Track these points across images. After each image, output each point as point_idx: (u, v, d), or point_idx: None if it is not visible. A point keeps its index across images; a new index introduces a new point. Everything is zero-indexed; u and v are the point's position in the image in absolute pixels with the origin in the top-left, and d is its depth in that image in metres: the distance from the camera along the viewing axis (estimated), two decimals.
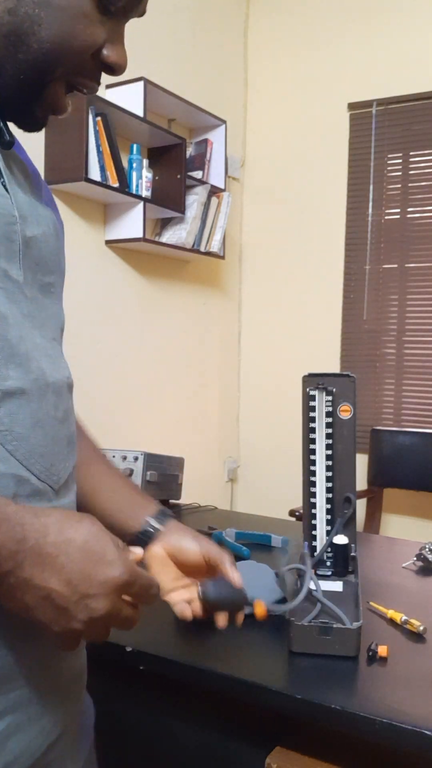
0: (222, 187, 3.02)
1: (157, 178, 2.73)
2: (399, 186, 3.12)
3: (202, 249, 2.93)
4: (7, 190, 0.62)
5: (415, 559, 1.47)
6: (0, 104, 0.63)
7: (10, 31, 0.59)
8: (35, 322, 0.63)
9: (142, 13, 0.66)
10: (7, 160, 0.65)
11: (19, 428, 0.59)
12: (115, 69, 0.64)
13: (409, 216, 3.11)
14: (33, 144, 2.28)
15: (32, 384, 0.60)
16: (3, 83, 0.61)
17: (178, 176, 2.72)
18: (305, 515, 1.26)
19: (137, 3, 0.64)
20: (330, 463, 1.24)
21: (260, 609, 0.80)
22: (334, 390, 1.24)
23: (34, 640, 0.61)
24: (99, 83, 0.65)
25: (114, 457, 1.77)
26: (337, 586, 1.18)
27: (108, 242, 2.60)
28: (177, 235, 2.81)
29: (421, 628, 1.11)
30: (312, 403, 1.24)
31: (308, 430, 1.25)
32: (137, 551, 0.62)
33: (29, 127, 0.66)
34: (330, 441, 1.24)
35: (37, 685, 0.62)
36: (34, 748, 0.62)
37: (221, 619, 0.81)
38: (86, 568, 0.53)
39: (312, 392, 1.24)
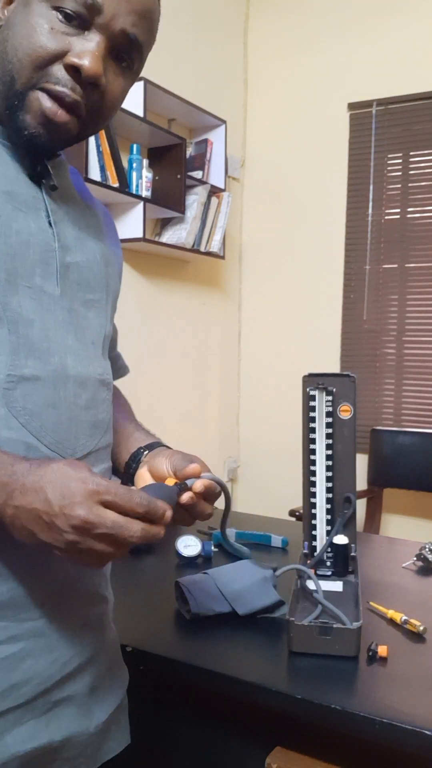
0: (222, 187, 3.02)
1: (157, 178, 2.73)
2: (399, 186, 3.12)
3: (202, 249, 2.93)
4: (51, 225, 0.77)
5: (415, 559, 1.47)
6: (30, 149, 0.75)
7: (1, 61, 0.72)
8: (70, 327, 0.77)
9: (119, 29, 0.72)
10: (58, 202, 0.79)
11: (32, 406, 0.72)
12: (82, 73, 0.70)
13: (409, 216, 3.11)
14: None
15: (50, 373, 0.74)
16: (0, 107, 0.73)
17: (178, 176, 2.72)
18: (305, 515, 1.26)
19: (95, 11, 0.70)
20: (330, 463, 1.24)
21: (169, 481, 0.79)
22: (334, 390, 1.24)
23: (45, 572, 0.72)
24: (72, 88, 0.71)
25: None
26: (337, 586, 1.18)
27: None
28: (177, 235, 2.81)
29: (421, 628, 1.11)
30: (312, 403, 1.24)
31: (308, 430, 1.25)
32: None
33: (37, 143, 0.74)
34: (330, 441, 1.24)
35: (50, 618, 0.73)
36: (45, 676, 0.73)
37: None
38: (61, 487, 0.63)
39: (312, 392, 1.24)
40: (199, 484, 0.78)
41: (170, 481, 0.78)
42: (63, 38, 0.70)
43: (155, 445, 0.92)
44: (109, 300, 0.87)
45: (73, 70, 0.70)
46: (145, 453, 0.90)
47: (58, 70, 0.70)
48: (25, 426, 0.71)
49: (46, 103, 0.71)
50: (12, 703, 0.71)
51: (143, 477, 0.87)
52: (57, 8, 0.69)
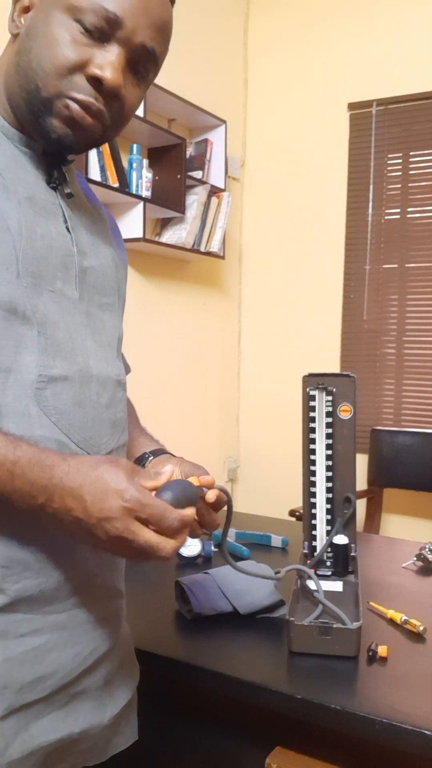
0: (222, 187, 3.02)
1: (157, 178, 2.73)
2: (399, 186, 3.12)
3: (202, 249, 2.93)
4: (68, 230, 0.79)
5: (415, 559, 1.48)
6: (50, 156, 0.78)
7: (18, 69, 0.74)
8: (88, 329, 0.81)
9: (138, 43, 0.74)
10: (72, 208, 0.82)
11: (62, 405, 0.75)
12: (104, 84, 0.73)
13: (409, 216, 3.11)
14: None
15: (76, 373, 0.77)
16: (27, 118, 0.75)
17: (178, 176, 2.72)
18: (305, 515, 1.26)
19: (116, 26, 0.72)
20: (330, 463, 1.24)
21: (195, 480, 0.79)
22: (334, 390, 1.24)
23: (70, 567, 0.75)
24: (95, 97, 0.74)
25: None
26: (337, 586, 1.18)
27: None
28: (177, 235, 2.80)
29: (421, 628, 1.11)
30: (312, 403, 1.24)
31: (308, 430, 1.25)
32: (163, 474, 0.73)
33: (52, 146, 0.77)
34: (330, 441, 1.24)
35: (73, 612, 0.76)
36: (68, 669, 0.75)
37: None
38: (99, 497, 0.66)
39: (312, 392, 1.24)
40: (212, 495, 0.79)
41: (194, 481, 0.78)
42: (84, 49, 0.72)
43: (160, 452, 0.96)
44: (120, 303, 0.91)
45: (95, 81, 0.73)
46: (150, 458, 0.93)
47: (81, 80, 0.73)
48: (56, 424, 0.74)
49: (75, 108, 0.74)
50: (37, 696, 0.73)
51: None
52: (78, 20, 0.72)
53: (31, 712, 0.73)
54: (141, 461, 0.94)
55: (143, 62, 0.77)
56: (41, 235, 0.75)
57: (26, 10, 0.75)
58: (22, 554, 0.72)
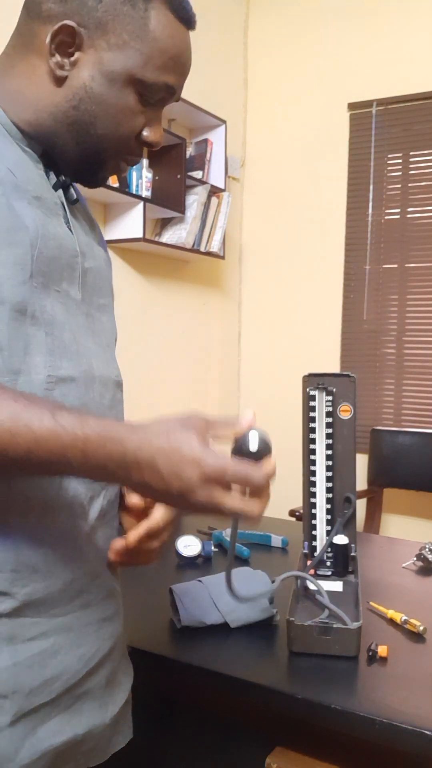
0: (222, 187, 3.02)
1: (157, 178, 2.73)
2: (399, 186, 3.12)
3: (202, 249, 2.93)
4: (72, 231, 0.81)
5: (415, 559, 1.48)
6: (66, 172, 0.82)
7: (73, 122, 0.78)
8: (89, 331, 0.82)
9: (177, 99, 0.83)
10: (72, 210, 0.85)
11: (69, 407, 0.71)
12: (153, 146, 0.83)
13: (409, 216, 3.11)
14: None
15: (81, 374, 0.77)
16: (67, 159, 0.81)
17: (178, 176, 2.72)
18: (305, 515, 1.26)
19: (171, 95, 0.81)
20: (330, 463, 1.24)
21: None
22: (334, 390, 1.24)
23: (77, 569, 0.76)
24: (141, 156, 0.84)
25: None
26: (337, 586, 1.18)
27: (108, 242, 2.59)
28: (177, 235, 2.80)
29: (421, 628, 1.11)
30: (312, 403, 1.24)
31: (308, 430, 1.25)
32: (243, 420, 0.70)
33: (91, 186, 0.85)
34: (330, 441, 1.24)
35: (77, 613, 0.76)
36: (74, 670, 0.76)
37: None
38: (175, 470, 0.64)
39: (312, 392, 1.24)
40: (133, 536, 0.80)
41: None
42: (142, 118, 0.81)
43: None
44: (113, 304, 0.91)
45: (146, 144, 0.82)
46: None
47: (134, 144, 0.82)
48: None
49: (124, 168, 0.84)
50: (44, 699, 0.73)
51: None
52: (140, 93, 0.78)
53: (39, 715, 0.73)
54: None
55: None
56: (53, 234, 0.76)
57: (69, 51, 0.76)
58: (30, 558, 0.72)
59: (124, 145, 0.81)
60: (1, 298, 0.70)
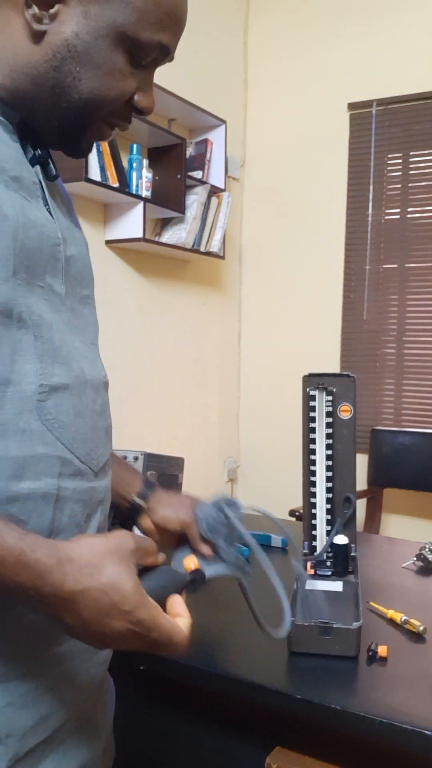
0: (222, 187, 3.02)
1: (157, 178, 2.73)
2: (399, 186, 3.12)
3: (202, 249, 2.93)
4: (52, 216, 0.72)
5: (415, 559, 1.47)
6: (48, 140, 0.73)
7: (54, 84, 0.68)
8: (75, 329, 0.73)
9: (171, 59, 0.74)
10: (50, 190, 0.74)
11: (64, 417, 0.68)
12: (144, 112, 0.74)
13: (409, 216, 3.11)
14: None
15: (74, 380, 0.70)
16: (50, 126, 0.71)
17: (178, 176, 2.72)
18: (305, 515, 1.26)
19: (165, 55, 0.72)
20: (330, 463, 1.24)
21: (189, 563, 0.79)
22: (334, 390, 1.24)
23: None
24: (130, 121, 0.75)
25: None
26: (337, 586, 1.18)
27: (108, 242, 2.59)
28: (177, 235, 2.80)
29: (421, 628, 1.11)
30: (312, 403, 1.24)
31: (308, 430, 1.25)
32: (160, 555, 0.69)
33: (76, 155, 0.75)
34: (330, 441, 1.24)
35: (70, 642, 0.69)
36: (69, 703, 0.70)
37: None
38: (100, 618, 0.59)
39: (312, 392, 1.24)
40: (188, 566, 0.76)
41: (189, 562, 0.76)
42: (132, 81, 0.71)
43: (146, 492, 0.91)
44: (94, 295, 0.82)
45: (137, 110, 0.74)
46: (141, 506, 0.91)
47: (124, 110, 0.73)
48: (60, 439, 0.67)
49: (107, 132, 0.74)
50: (39, 738, 0.67)
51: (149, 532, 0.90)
52: (131, 53, 0.69)
53: (34, 756, 0.67)
54: (135, 512, 0.90)
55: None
56: (34, 222, 0.67)
57: (49, 4, 0.66)
58: None
59: (111, 108, 0.71)
60: None
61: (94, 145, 2.28)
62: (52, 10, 0.66)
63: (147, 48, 0.69)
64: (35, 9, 0.66)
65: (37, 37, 0.67)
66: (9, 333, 0.63)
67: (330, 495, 1.24)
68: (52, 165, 0.75)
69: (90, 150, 0.76)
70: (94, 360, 0.77)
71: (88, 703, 0.75)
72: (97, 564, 0.60)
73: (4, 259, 0.63)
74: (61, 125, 0.71)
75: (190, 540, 0.88)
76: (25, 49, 0.67)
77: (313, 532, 1.26)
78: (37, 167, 0.72)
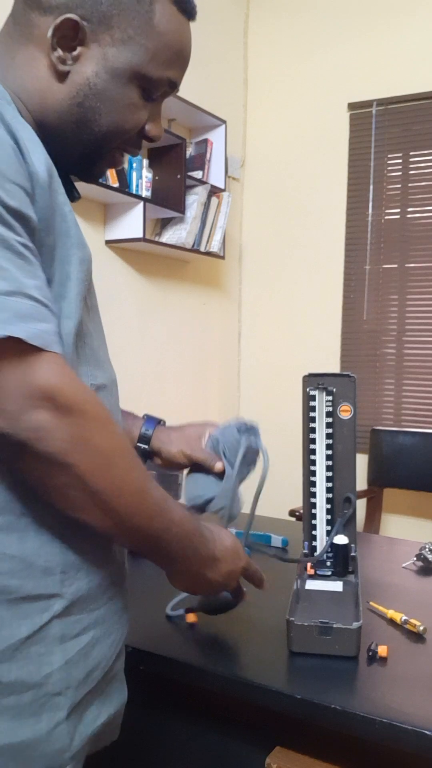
0: (222, 187, 3.02)
1: (157, 178, 2.73)
2: (399, 186, 3.12)
3: (202, 249, 2.93)
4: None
5: (415, 559, 1.48)
6: (65, 166, 0.81)
7: (78, 119, 0.77)
8: (100, 335, 0.84)
9: (176, 92, 0.84)
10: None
11: None
12: (154, 140, 0.83)
13: (409, 216, 3.11)
14: None
15: (109, 381, 0.81)
16: (69, 154, 0.80)
17: (178, 176, 2.72)
18: (305, 515, 1.26)
19: (173, 89, 0.81)
20: (330, 463, 1.24)
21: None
22: (334, 390, 1.24)
23: (111, 564, 0.80)
24: (141, 148, 0.85)
25: None
26: (337, 586, 1.18)
27: (108, 242, 2.60)
28: (177, 235, 2.80)
29: (421, 628, 1.11)
30: (312, 403, 1.24)
31: (308, 430, 1.25)
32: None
33: (89, 180, 0.85)
34: (330, 441, 1.24)
35: (109, 605, 0.80)
36: (108, 657, 0.80)
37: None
38: (232, 564, 0.88)
39: (312, 392, 1.24)
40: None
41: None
42: (145, 113, 0.80)
43: (151, 420, 1.08)
44: None
45: (148, 138, 0.82)
46: (148, 434, 1.06)
47: (135, 136, 0.82)
48: None
49: (119, 159, 0.83)
50: (88, 688, 0.77)
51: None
52: (143, 89, 0.78)
53: (84, 704, 0.77)
54: (145, 441, 1.06)
55: None
56: (86, 243, 0.77)
57: (72, 45, 0.75)
58: (75, 557, 0.74)
59: (126, 138, 0.81)
60: (70, 313, 0.72)
61: None
62: (74, 53, 0.75)
63: (158, 84, 0.78)
64: (60, 51, 0.74)
65: (62, 76, 0.75)
66: (76, 343, 0.74)
67: (330, 495, 1.24)
68: (75, 190, 0.87)
69: (102, 175, 0.85)
70: (109, 362, 0.87)
71: (120, 661, 0.85)
72: (223, 531, 0.89)
73: (85, 281, 0.74)
74: (80, 154, 0.80)
75: (203, 464, 1.04)
76: (51, 88, 0.76)
77: (313, 532, 1.26)
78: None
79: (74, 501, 0.69)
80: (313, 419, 1.24)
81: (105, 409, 0.70)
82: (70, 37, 0.73)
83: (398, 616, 1.15)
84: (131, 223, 2.53)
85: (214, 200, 2.97)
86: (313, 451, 1.25)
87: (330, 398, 1.23)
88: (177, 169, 2.71)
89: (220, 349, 3.39)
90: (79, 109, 0.77)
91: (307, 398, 1.24)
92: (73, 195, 0.85)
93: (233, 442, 1.02)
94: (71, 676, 0.74)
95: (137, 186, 2.54)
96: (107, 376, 0.80)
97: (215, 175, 3.02)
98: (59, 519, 0.72)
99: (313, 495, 1.25)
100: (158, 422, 1.08)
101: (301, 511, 1.27)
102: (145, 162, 2.61)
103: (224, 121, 3.01)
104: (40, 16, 0.74)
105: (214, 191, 2.97)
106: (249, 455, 1.05)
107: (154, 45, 0.76)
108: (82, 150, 0.80)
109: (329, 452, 1.24)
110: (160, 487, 0.76)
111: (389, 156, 3.13)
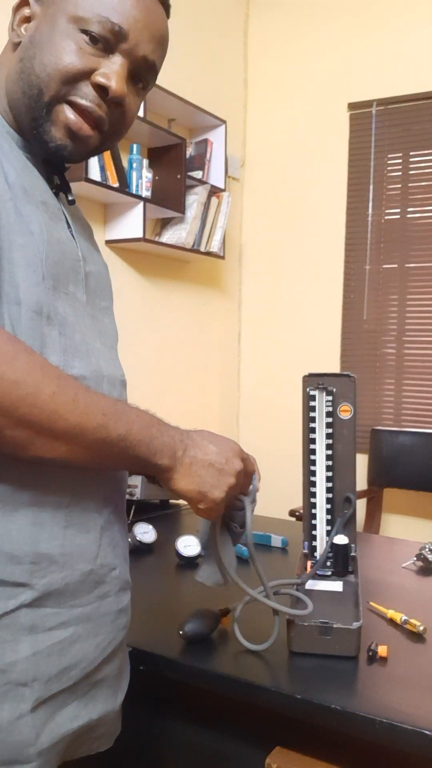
0: (222, 187, 3.02)
1: (157, 178, 2.73)
2: (399, 186, 3.12)
3: (202, 249, 2.93)
4: (74, 237, 0.85)
5: (415, 559, 1.48)
6: (44, 154, 0.81)
7: (20, 76, 0.78)
8: (95, 332, 0.85)
9: (141, 53, 0.79)
10: (73, 216, 0.88)
11: None
12: (106, 90, 0.77)
13: (409, 216, 3.11)
14: None
15: (91, 373, 0.80)
16: (27, 126, 0.79)
17: (178, 176, 2.72)
18: (305, 515, 1.26)
19: (120, 36, 0.76)
20: (330, 463, 1.24)
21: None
22: (334, 390, 1.24)
23: (95, 560, 0.79)
24: (98, 104, 0.78)
25: None
26: (337, 586, 1.18)
27: (108, 242, 2.60)
28: (177, 235, 2.80)
29: (421, 628, 1.11)
30: (312, 403, 1.24)
31: (308, 430, 1.25)
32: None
33: (62, 155, 0.80)
34: (330, 441, 1.24)
35: (96, 605, 0.80)
36: (90, 659, 0.79)
37: None
38: (221, 445, 0.82)
39: (312, 392, 1.24)
40: None
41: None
42: (90, 58, 0.76)
43: None
44: (113, 307, 0.95)
45: (100, 89, 0.77)
46: None
47: (86, 87, 0.77)
48: None
49: (71, 116, 0.77)
50: (62, 686, 0.76)
51: None
52: (84, 31, 0.76)
53: (57, 702, 0.76)
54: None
55: (144, 74, 0.82)
56: (57, 239, 0.78)
57: (27, 19, 0.79)
58: (48, 549, 0.74)
59: (68, 85, 0.76)
60: (18, 298, 0.72)
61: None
62: (26, 24, 0.79)
63: (96, 23, 0.75)
64: (15, 26, 0.79)
65: (16, 48, 0.79)
66: (39, 328, 0.74)
67: (330, 495, 1.24)
68: (70, 192, 0.87)
69: (64, 142, 0.79)
70: (112, 360, 0.87)
71: (111, 666, 0.84)
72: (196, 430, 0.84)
73: (34, 266, 0.74)
74: (32, 117, 0.78)
75: None
76: (10, 65, 0.79)
77: (313, 532, 1.26)
78: (61, 195, 0.85)
79: (14, 440, 0.67)
80: (313, 419, 1.24)
81: (8, 341, 0.66)
82: (25, 15, 0.79)
83: (398, 616, 1.15)
84: (131, 223, 2.53)
85: (214, 200, 2.96)
86: (313, 451, 1.25)
87: (330, 398, 1.23)
88: (177, 169, 2.71)
89: (220, 349, 3.39)
90: (20, 65, 0.78)
91: (307, 398, 1.24)
92: (67, 198, 0.87)
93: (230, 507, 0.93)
94: (40, 669, 0.74)
95: (137, 186, 2.54)
96: (90, 368, 0.80)
97: (215, 175, 3.02)
98: (32, 509, 0.73)
99: (313, 495, 1.25)
100: None
101: (301, 511, 1.27)
102: (145, 162, 2.61)
103: (224, 121, 3.01)
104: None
105: (214, 191, 2.97)
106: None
107: None
108: (31, 109, 0.77)
109: (329, 452, 1.24)
110: (102, 394, 0.74)
111: (389, 156, 3.13)
